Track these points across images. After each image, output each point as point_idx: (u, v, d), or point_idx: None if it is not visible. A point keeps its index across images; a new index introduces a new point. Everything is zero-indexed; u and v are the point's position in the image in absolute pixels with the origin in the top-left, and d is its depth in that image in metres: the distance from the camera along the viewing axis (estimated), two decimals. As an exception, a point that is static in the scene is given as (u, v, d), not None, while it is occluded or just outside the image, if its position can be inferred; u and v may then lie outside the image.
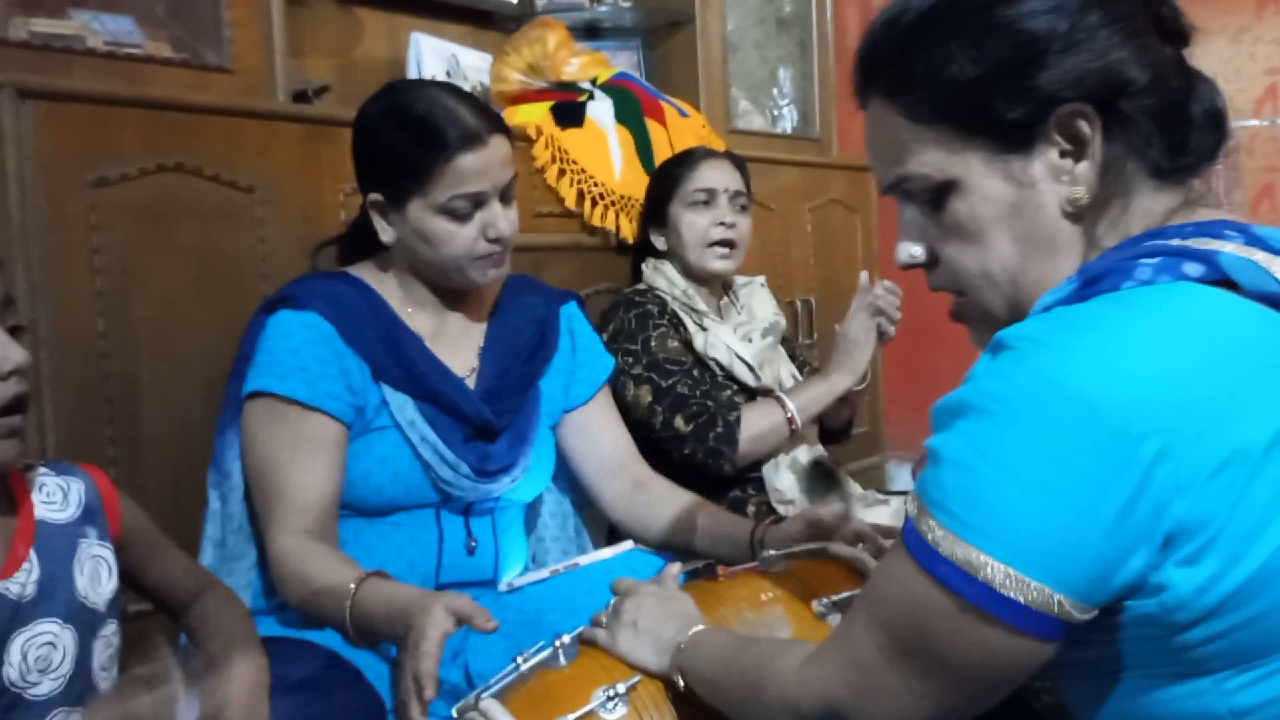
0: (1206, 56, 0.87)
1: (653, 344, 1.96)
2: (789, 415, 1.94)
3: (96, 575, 1.14)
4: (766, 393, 2.04)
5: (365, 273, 1.54)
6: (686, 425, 1.89)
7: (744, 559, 1.47)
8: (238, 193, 1.65)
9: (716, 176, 2.08)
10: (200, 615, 1.26)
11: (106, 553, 1.16)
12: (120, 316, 1.51)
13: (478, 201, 1.45)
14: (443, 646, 1.14)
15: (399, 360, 1.47)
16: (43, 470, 1.16)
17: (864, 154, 0.94)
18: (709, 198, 2.06)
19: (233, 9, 1.73)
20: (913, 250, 0.90)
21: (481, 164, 1.44)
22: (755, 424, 1.92)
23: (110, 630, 1.15)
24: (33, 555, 1.08)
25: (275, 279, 1.63)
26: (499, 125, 1.48)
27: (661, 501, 1.69)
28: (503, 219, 1.48)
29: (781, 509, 1.97)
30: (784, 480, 2.01)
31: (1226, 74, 2.96)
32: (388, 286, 1.54)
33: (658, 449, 1.94)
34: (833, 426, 2.17)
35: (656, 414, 1.90)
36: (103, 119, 1.50)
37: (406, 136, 1.43)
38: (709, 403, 1.91)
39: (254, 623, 1.28)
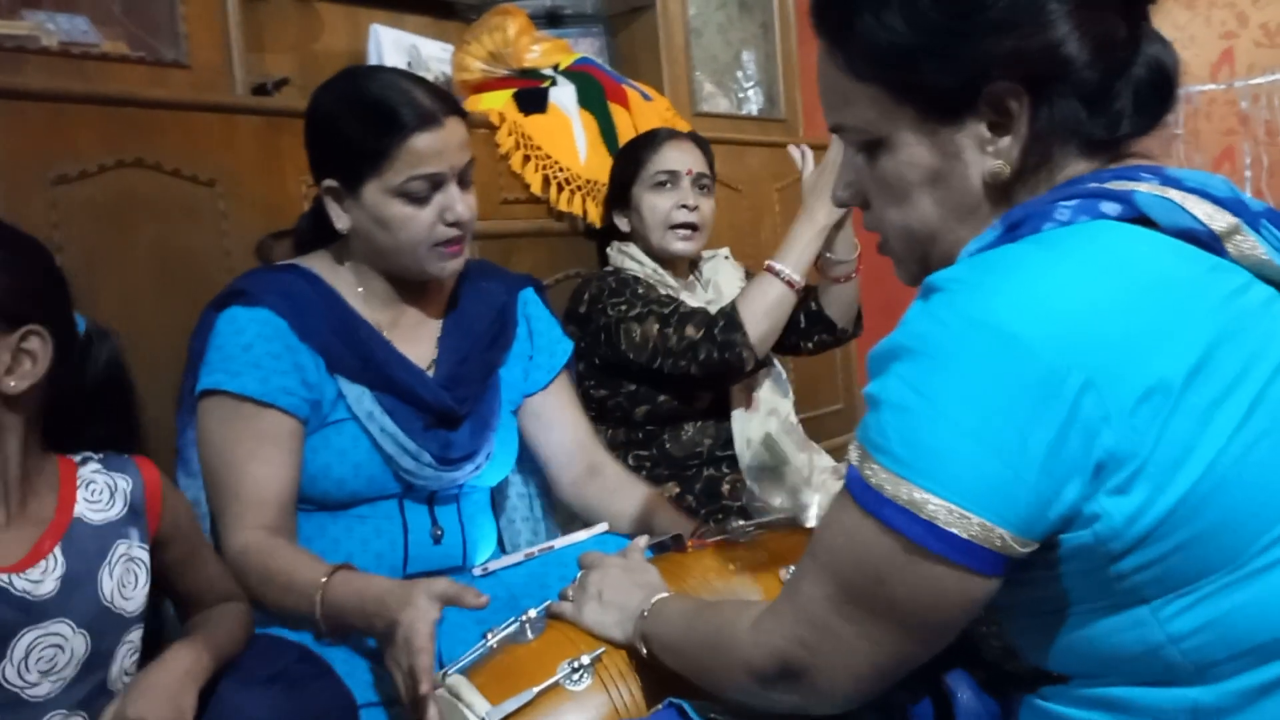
0: (1162, 23, 0.87)
1: (641, 290, 1.96)
2: (785, 278, 1.87)
3: (127, 579, 1.12)
4: None
5: (318, 264, 1.53)
6: (696, 331, 1.87)
7: None
8: (199, 187, 1.65)
9: (678, 158, 2.08)
10: (199, 619, 1.24)
11: (144, 554, 1.15)
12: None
13: (435, 183, 1.44)
14: (435, 638, 1.13)
15: (354, 351, 1.46)
16: (94, 465, 1.15)
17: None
18: (671, 179, 2.06)
19: (187, 5, 1.72)
20: (850, 189, 0.93)
21: (438, 144, 1.42)
22: (753, 301, 1.86)
23: (136, 634, 1.13)
24: (57, 553, 1.07)
25: (239, 272, 1.61)
26: (454, 107, 1.47)
27: (613, 490, 1.69)
28: (460, 202, 1.46)
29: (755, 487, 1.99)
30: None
31: (1182, 39, 2.98)
32: (342, 278, 1.52)
33: (674, 377, 1.92)
34: (840, 321, 2.05)
35: (669, 337, 1.88)
36: (60, 117, 1.50)
37: (361, 119, 1.42)
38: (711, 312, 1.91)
39: (237, 631, 1.24)
